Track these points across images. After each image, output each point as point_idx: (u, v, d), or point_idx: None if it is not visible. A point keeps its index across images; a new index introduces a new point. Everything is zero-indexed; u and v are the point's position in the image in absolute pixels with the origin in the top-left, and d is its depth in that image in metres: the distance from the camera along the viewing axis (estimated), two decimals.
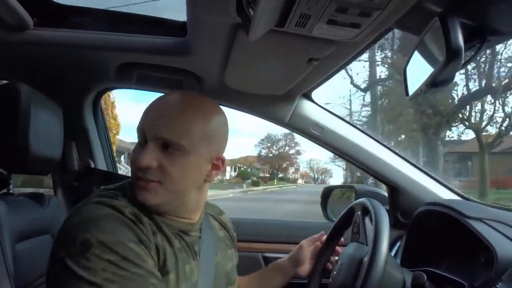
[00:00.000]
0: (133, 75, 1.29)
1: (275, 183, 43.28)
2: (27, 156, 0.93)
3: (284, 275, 1.15)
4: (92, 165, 1.46)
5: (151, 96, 1.13)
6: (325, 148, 1.49)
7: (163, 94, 0.86)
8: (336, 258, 1.10)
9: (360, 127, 1.49)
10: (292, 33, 0.80)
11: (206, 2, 0.82)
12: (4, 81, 1.26)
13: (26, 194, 1.05)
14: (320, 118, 1.43)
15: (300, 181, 57.06)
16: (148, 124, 0.78)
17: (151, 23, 1.17)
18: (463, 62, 0.64)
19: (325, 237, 1.16)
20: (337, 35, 0.80)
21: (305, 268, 1.14)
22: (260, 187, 35.06)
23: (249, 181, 38.89)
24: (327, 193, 1.81)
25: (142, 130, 0.78)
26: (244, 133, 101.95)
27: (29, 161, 0.94)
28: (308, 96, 1.43)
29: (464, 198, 1.40)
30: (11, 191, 1.05)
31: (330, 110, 1.46)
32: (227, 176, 43.68)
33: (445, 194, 1.41)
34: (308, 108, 1.43)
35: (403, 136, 18.15)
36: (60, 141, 1.10)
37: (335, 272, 1.02)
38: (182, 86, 1.33)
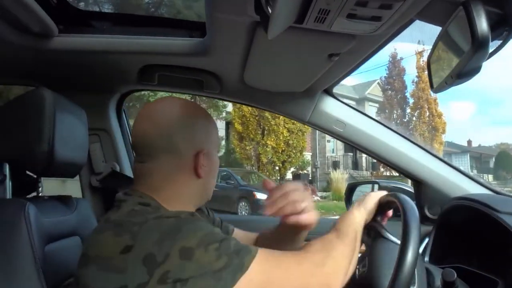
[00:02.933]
0: (155, 77, 1.31)
1: None
2: (53, 160, 0.95)
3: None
4: (117, 168, 1.48)
5: None
6: (348, 144, 1.48)
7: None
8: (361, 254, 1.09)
9: (382, 122, 1.47)
10: (311, 29, 0.79)
11: (224, 2, 0.82)
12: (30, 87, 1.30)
13: (55, 197, 1.08)
14: (342, 114, 1.42)
15: None
16: None
17: (170, 25, 1.19)
18: (490, 51, 0.62)
19: None
20: (358, 29, 0.79)
21: None
22: None
23: None
24: (351, 189, 1.79)
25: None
26: None
27: (56, 165, 0.96)
28: (329, 92, 1.42)
29: (494, 192, 1.35)
30: (40, 194, 1.08)
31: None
32: None
33: (473, 188, 1.37)
34: (329, 104, 1.42)
35: None
36: (85, 144, 1.13)
37: (362, 268, 1.00)
38: (202, 86, 1.34)
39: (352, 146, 1.47)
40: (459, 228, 1.18)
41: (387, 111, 21.36)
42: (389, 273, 0.83)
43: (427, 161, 1.41)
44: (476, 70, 0.67)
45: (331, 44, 0.92)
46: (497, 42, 0.68)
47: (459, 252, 1.14)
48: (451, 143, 28.02)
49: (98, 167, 1.47)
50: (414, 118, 20.35)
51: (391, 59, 21.50)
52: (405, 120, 21.10)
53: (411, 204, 0.90)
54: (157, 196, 0.82)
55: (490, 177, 26.84)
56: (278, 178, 15.03)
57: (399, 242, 0.95)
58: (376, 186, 1.71)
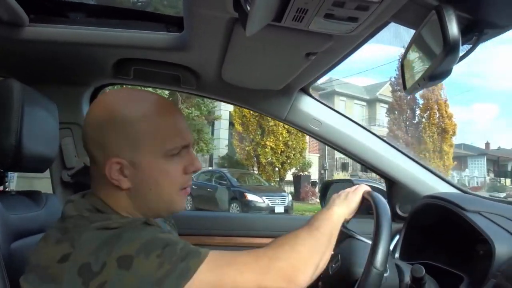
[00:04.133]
0: (131, 71, 1.28)
1: None
2: (21, 154, 0.92)
3: None
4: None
5: None
6: (323, 142, 1.50)
7: (153, 95, 0.79)
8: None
9: (357, 121, 1.49)
10: (289, 27, 0.80)
11: None
12: None
13: (24, 192, 1.04)
14: (318, 113, 1.43)
15: None
16: (188, 134, 0.78)
17: (148, 19, 1.17)
18: (460, 55, 0.65)
19: None
20: (335, 29, 0.80)
21: None
22: None
23: None
24: (326, 187, 1.81)
25: (187, 144, 0.77)
26: None
27: (24, 159, 0.93)
28: (306, 91, 1.43)
29: (462, 191, 1.40)
30: (7, 189, 1.04)
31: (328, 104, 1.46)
32: None
33: (443, 188, 1.41)
34: (306, 103, 1.43)
35: None
36: (55, 138, 1.10)
37: (333, 265, 1.02)
38: (179, 82, 1.32)
39: (327, 144, 1.49)
40: (429, 225, 1.22)
41: (396, 112, 20.80)
42: (360, 270, 0.85)
43: (399, 161, 1.45)
44: (446, 73, 0.69)
45: (308, 43, 0.93)
46: (467, 47, 0.70)
47: (428, 249, 1.17)
48: (467, 146, 27.00)
49: (70, 162, 1.43)
50: (423, 120, 19.69)
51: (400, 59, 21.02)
52: (415, 121, 20.57)
53: (383, 202, 0.93)
54: (107, 201, 0.76)
55: (508, 181, 24.49)
56: (278, 179, 14.87)
57: (367, 241, 0.98)
58: (350, 184, 1.74)
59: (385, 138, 1.48)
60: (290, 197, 11.75)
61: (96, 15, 1.18)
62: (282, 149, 14.55)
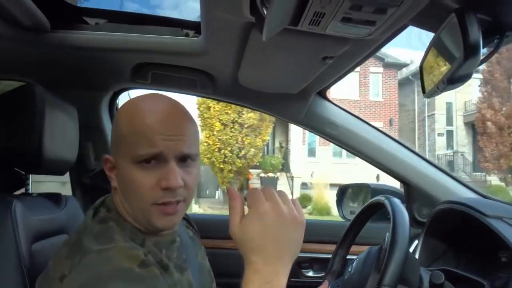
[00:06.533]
0: (148, 76, 1.30)
1: None
2: (42, 157, 0.94)
3: None
4: None
5: None
6: (340, 146, 1.49)
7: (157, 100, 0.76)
8: (354, 257, 1.10)
9: (374, 125, 1.48)
10: (306, 31, 0.80)
11: (220, 2, 0.82)
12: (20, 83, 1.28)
13: (44, 194, 1.07)
14: (335, 117, 1.43)
15: None
16: (167, 145, 0.69)
17: (165, 24, 1.18)
18: (481, 58, 0.63)
19: None
20: (352, 33, 0.79)
21: None
22: None
23: None
24: (342, 191, 1.79)
25: (157, 153, 0.69)
26: None
27: (44, 162, 0.95)
28: (322, 95, 1.43)
29: (482, 196, 1.37)
30: (29, 191, 1.07)
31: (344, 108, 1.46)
32: None
33: (462, 192, 1.39)
34: (322, 107, 1.43)
35: None
36: (75, 142, 1.12)
37: (351, 271, 1.01)
38: (196, 86, 1.33)
39: (344, 148, 1.48)
40: (448, 231, 1.20)
41: None
42: (375, 276, 0.84)
43: (417, 164, 1.43)
44: (467, 76, 0.68)
45: (325, 47, 0.93)
46: (488, 49, 0.69)
47: (448, 255, 1.15)
48: None
49: (89, 165, 1.46)
50: None
51: None
52: None
53: (400, 207, 0.91)
54: (116, 202, 0.76)
55: None
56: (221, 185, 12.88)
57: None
58: (367, 188, 1.72)
59: (402, 141, 1.47)
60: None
61: (115, 20, 1.20)
62: (219, 146, 12.23)
